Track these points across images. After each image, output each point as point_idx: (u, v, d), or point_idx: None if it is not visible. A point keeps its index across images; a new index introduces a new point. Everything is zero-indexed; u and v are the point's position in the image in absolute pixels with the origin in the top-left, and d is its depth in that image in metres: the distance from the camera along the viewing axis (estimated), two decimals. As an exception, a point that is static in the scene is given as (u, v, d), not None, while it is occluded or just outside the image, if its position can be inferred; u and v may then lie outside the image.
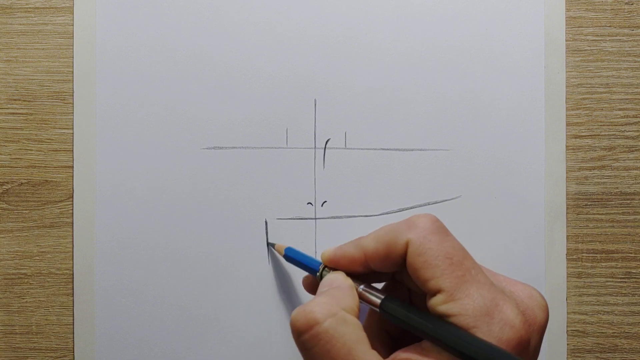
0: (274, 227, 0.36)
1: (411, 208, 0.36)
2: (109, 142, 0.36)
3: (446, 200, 0.36)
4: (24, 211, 0.36)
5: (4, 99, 0.36)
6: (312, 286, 0.32)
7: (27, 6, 0.36)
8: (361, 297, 0.28)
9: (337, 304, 0.26)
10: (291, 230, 0.36)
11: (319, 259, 0.35)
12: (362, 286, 0.29)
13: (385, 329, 0.30)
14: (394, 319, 0.27)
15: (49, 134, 0.36)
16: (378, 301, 0.28)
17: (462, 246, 0.27)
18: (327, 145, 0.36)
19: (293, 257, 0.33)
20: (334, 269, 0.30)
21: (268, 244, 0.36)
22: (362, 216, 0.36)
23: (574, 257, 0.36)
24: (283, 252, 0.34)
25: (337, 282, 0.28)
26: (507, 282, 0.28)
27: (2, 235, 0.36)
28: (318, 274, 0.31)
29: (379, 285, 0.30)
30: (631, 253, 0.36)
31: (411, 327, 0.26)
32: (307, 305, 0.26)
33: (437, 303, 0.26)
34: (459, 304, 0.25)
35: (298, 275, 0.36)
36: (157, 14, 0.36)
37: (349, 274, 0.29)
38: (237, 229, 0.36)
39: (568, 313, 0.36)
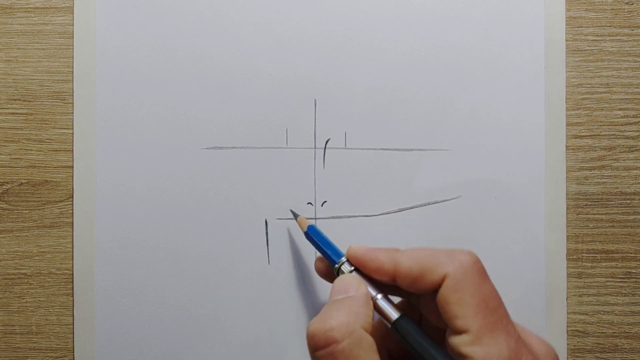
0: (274, 227, 0.36)
1: (411, 208, 0.36)
2: (109, 142, 0.36)
3: (446, 200, 0.36)
4: (24, 211, 0.36)
5: (4, 99, 0.36)
6: (324, 271, 0.32)
7: (27, 6, 0.36)
8: (376, 308, 0.28)
9: (355, 321, 0.26)
10: (291, 230, 0.36)
11: (317, 257, 0.35)
12: (379, 296, 0.28)
13: (386, 345, 0.30)
14: (405, 341, 0.27)
15: (49, 134, 0.36)
16: (393, 318, 0.27)
17: (498, 294, 0.27)
18: (327, 145, 0.36)
19: (315, 237, 0.32)
20: (353, 267, 0.29)
21: (292, 212, 0.35)
22: (362, 216, 0.36)
23: (574, 257, 0.36)
24: (305, 229, 0.33)
25: (352, 290, 0.28)
26: (525, 334, 0.28)
27: (2, 235, 0.36)
28: (337, 266, 0.30)
29: (393, 299, 0.29)
30: (631, 253, 0.36)
31: (420, 356, 0.26)
32: (326, 321, 0.26)
33: (461, 343, 0.25)
34: (485, 349, 0.25)
35: (298, 275, 0.36)
36: (157, 14, 0.36)
37: (367, 277, 0.29)
38: (237, 229, 0.36)
39: (568, 313, 0.36)
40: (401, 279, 0.28)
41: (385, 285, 0.29)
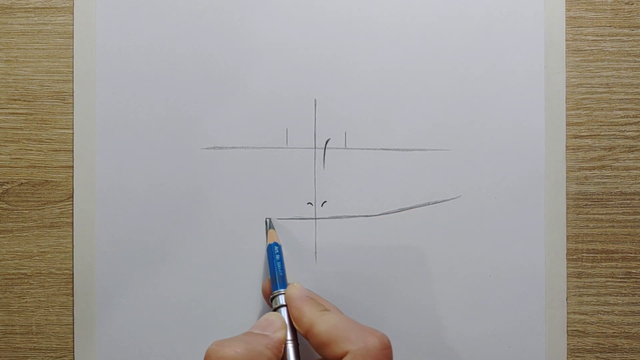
0: (274, 227, 0.36)
1: (411, 208, 0.36)
2: (109, 142, 0.36)
3: (446, 200, 0.36)
4: (24, 211, 0.36)
5: (4, 99, 0.36)
6: (268, 293, 0.33)
7: (27, 6, 0.36)
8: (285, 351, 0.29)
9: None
10: (291, 230, 0.36)
11: (318, 260, 0.35)
12: (290, 344, 0.29)
13: None
14: None
15: (49, 134, 0.36)
16: None
17: None
18: (327, 145, 0.36)
19: (271, 257, 0.33)
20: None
21: (266, 222, 0.35)
22: (362, 216, 0.36)
23: (574, 257, 0.36)
24: (269, 242, 0.34)
25: (270, 330, 0.29)
26: None
27: (2, 235, 0.36)
28: (274, 293, 0.31)
29: None
30: (631, 253, 0.36)
31: None
32: (225, 348, 0.27)
33: None
34: None
35: (298, 275, 0.36)
36: (157, 14, 0.36)
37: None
38: (237, 229, 0.36)
39: (568, 313, 0.36)
40: (311, 340, 0.29)
41: None
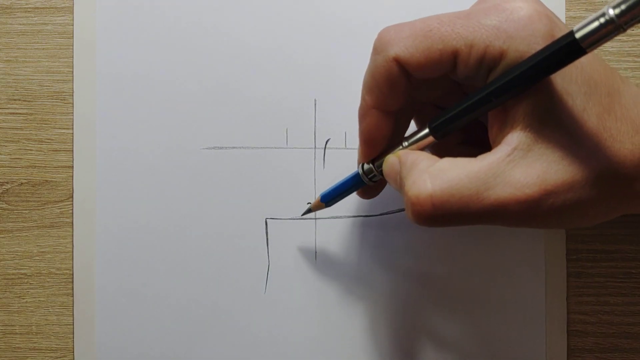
0: (274, 227, 0.36)
1: (411, 208, 0.36)
2: (109, 142, 0.36)
3: (446, 200, 0.36)
4: (24, 211, 0.36)
5: (4, 99, 0.36)
6: (369, 192, 0.32)
7: (27, 6, 0.36)
8: (413, 146, 0.28)
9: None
10: (291, 230, 0.36)
11: (318, 260, 0.35)
12: (404, 143, 0.29)
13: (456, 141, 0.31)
14: (450, 124, 0.27)
15: (49, 134, 0.36)
16: (426, 130, 0.28)
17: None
18: (327, 145, 0.36)
19: (333, 195, 0.33)
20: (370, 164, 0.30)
21: (307, 210, 0.35)
22: (362, 216, 0.36)
23: (574, 257, 0.36)
24: (323, 204, 0.33)
25: (403, 163, 0.28)
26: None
27: (2, 235, 0.36)
28: (365, 169, 0.31)
29: None
30: (631, 253, 0.36)
31: (467, 114, 0.25)
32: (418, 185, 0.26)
33: None
34: None
35: (298, 275, 0.36)
36: (157, 14, 0.36)
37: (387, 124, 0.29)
38: (237, 229, 0.36)
39: (568, 313, 0.36)
40: (415, 69, 0.26)
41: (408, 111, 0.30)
